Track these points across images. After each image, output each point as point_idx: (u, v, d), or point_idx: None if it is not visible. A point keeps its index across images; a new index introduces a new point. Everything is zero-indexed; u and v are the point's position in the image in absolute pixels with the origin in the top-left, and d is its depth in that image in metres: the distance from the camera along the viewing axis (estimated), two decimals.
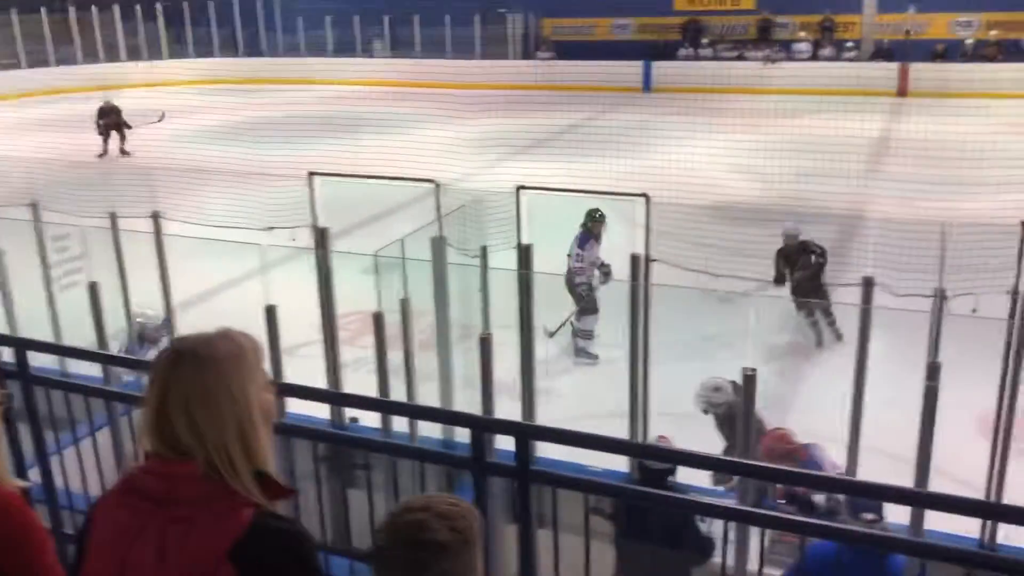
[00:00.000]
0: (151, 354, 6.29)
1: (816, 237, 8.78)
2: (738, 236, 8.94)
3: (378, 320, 4.56)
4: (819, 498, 5.01)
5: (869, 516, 3.55)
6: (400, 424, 4.58)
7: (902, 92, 23.45)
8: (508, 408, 4.60)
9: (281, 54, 30.90)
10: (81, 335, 5.01)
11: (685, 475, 4.14)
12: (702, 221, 8.79)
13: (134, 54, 29.73)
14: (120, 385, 3.77)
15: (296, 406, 3.35)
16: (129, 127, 18.17)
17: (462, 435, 4.10)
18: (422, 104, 21.87)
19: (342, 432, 4.29)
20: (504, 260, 5.07)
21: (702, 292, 7.65)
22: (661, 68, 26.33)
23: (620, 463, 4.61)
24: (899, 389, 4.80)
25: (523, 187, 6.52)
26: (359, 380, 5.21)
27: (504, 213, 6.61)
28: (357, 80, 27.97)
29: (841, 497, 4.76)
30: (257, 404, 1.66)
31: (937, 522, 3.62)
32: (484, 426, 2.70)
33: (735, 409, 6.07)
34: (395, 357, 4.78)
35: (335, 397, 4.18)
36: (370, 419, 4.63)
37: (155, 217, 5.47)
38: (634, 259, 5.11)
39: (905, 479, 3.96)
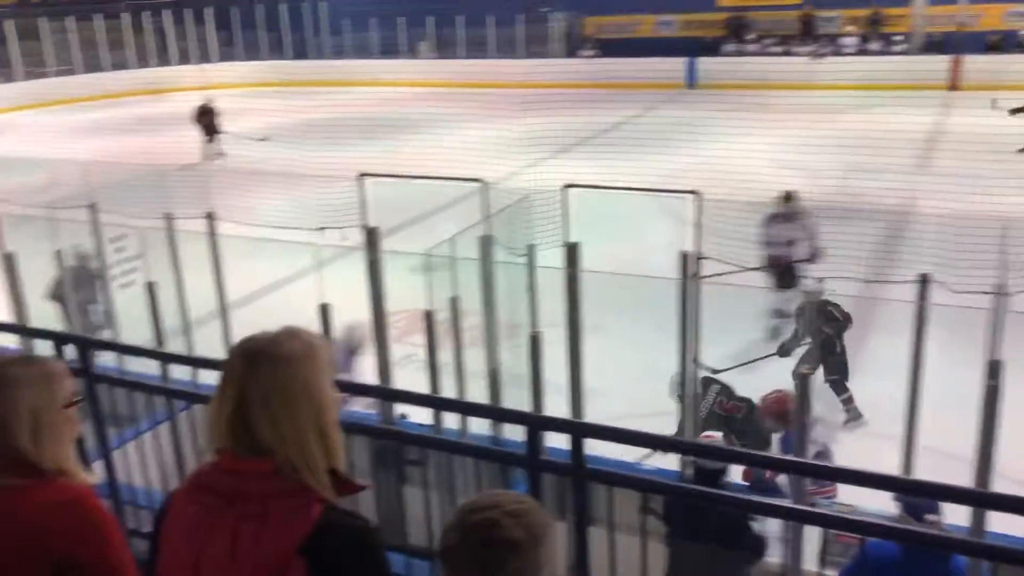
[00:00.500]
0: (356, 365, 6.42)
1: (865, 234, 8.59)
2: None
3: (429, 318, 4.58)
4: (782, 479, 5.09)
5: (932, 517, 3.48)
6: (449, 421, 4.59)
7: (954, 86, 22.97)
8: (555, 405, 4.60)
9: (328, 56, 31.25)
10: (139, 334, 5.12)
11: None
12: (751, 217, 8.68)
13: (184, 58, 30.33)
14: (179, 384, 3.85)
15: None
16: (221, 131, 18.17)
17: (511, 433, 4.11)
18: (468, 104, 21.95)
19: (399, 429, 4.32)
20: (551, 259, 5.06)
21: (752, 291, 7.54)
22: (706, 64, 26.13)
23: (669, 462, 4.60)
24: (951, 387, 4.72)
25: (571, 185, 6.50)
26: (407, 376, 5.25)
27: (551, 211, 6.60)
28: (403, 81, 28.19)
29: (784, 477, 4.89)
30: (331, 401, 1.69)
31: (998, 524, 3.54)
32: (539, 424, 2.70)
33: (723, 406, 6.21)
34: (442, 355, 4.80)
35: (393, 394, 4.19)
36: (419, 416, 4.66)
37: (209, 218, 5.55)
38: (683, 256, 5.06)
39: (960, 479, 3.88)
